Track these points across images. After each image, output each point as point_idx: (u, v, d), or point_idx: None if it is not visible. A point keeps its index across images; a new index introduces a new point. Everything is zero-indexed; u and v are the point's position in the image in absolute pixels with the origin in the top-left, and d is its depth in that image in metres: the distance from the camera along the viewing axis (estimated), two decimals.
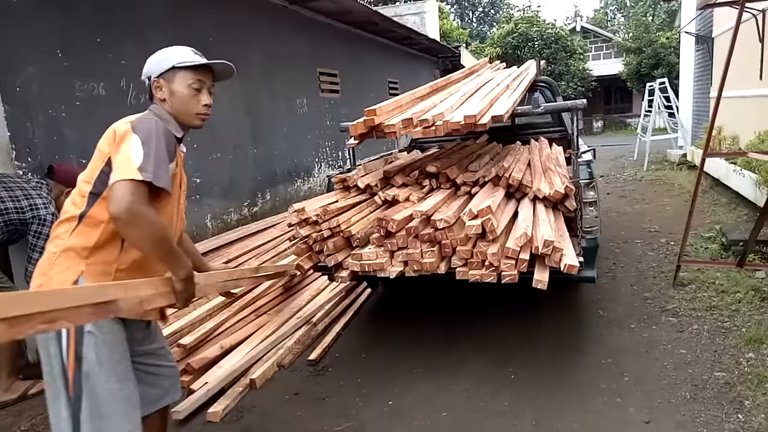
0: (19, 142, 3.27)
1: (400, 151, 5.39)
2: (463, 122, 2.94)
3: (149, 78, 1.90)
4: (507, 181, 3.24)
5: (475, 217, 2.71)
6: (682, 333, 3.43)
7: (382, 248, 2.87)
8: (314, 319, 3.94)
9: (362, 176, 3.47)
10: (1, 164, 3.26)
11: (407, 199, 3.24)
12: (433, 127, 3.02)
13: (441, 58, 15.27)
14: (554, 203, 3.25)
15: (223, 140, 5.28)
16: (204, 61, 1.92)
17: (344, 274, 2.98)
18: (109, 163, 1.70)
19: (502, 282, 2.65)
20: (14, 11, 3.29)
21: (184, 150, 1.98)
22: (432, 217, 2.76)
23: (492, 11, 48.42)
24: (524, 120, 6.00)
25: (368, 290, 4.52)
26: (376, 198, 3.32)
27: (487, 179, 3.33)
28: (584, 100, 3.53)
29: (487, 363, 3.22)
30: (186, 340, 3.37)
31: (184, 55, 1.90)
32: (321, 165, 7.34)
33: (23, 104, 3.31)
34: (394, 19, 15.26)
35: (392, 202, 3.26)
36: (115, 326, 1.75)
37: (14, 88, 3.27)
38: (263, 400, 3.02)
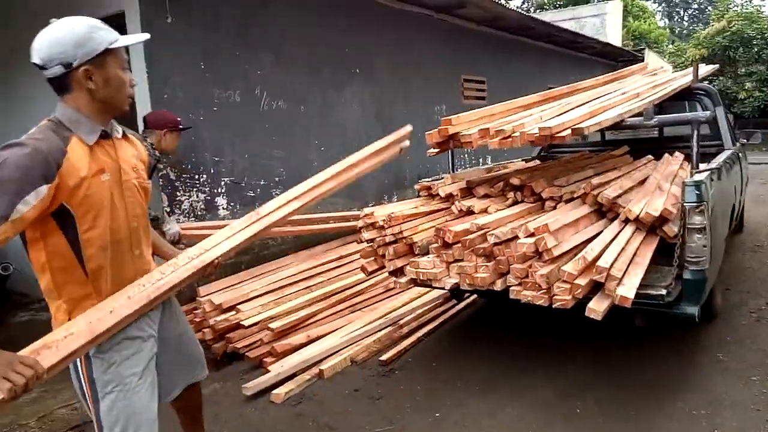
0: None
1: (526, 160, 5.17)
2: (538, 134, 2.79)
3: (69, 65, 1.52)
4: (595, 198, 2.97)
5: (531, 234, 2.55)
6: None
7: (439, 259, 2.85)
8: (401, 322, 4.02)
9: (445, 185, 3.46)
10: None
11: (485, 211, 3.16)
12: (510, 139, 2.92)
13: (622, 62, 14.08)
14: (651, 227, 2.90)
15: (350, 143, 5.59)
16: (146, 36, 1.73)
17: (403, 280, 3.02)
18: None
19: (553, 306, 2.46)
20: (168, 29, 3.91)
21: (120, 135, 1.74)
22: (487, 232, 2.66)
23: (709, 9, 43.24)
24: (674, 132, 5.37)
25: (467, 300, 4.45)
26: (452, 208, 3.28)
27: (576, 195, 3.09)
28: (708, 112, 3.07)
29: (556, 393, 2.99)
30: (275, 325, 3.70)
31: (109, 32, 1.59)
32: (457, 172, 7.33)
33: (168, 108, 3.91)
34: (572, 21, 14.58)
35: (468, 213, 3.20)
36: (123, 340, 1.69)
37: (162, 94, 3.89)
38: (325, 390, 3.19)
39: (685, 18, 52.10)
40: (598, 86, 4.87)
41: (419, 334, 3.90)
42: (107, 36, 1.57)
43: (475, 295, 4.37)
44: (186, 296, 4.07)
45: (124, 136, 1.78)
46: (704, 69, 6.29)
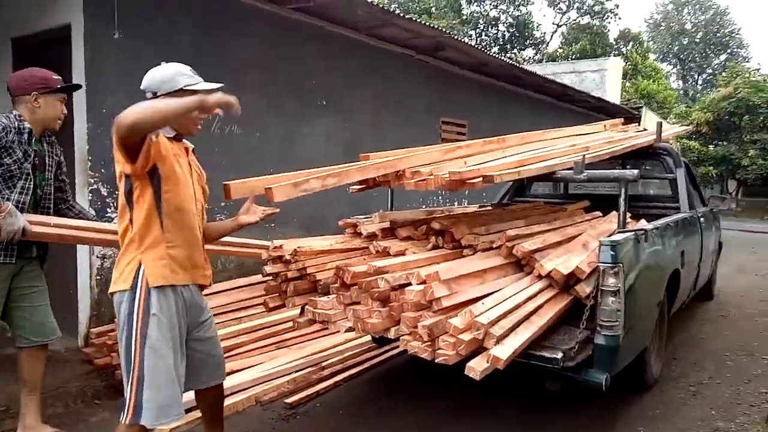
0: (95, 155, 3.83)
1: (480, 205, 5.06)
2: (448, 178, 2.69)
3: (154, 93, 2.18)
4: (510, 250, 2.84)
5: (423, 282, 2.42)
6: None
7: (338, 300, 2.71)
8: (324, 363, 3.85)
9: (369, 224, 3.34)
10: (78, 171, 3.85)
11: (402, 254, 3.03)
12: (425, 181, 2.82)
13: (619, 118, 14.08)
14: (566, 285, 2.76)
15: None
16: (219, 84, 2.20)
17: (302, 319, 2.87)
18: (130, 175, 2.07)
19: (436, 361, 2.30)
20: (114, 45, 3.89)
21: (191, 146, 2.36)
22: (380, 276, 2.53)
23: (723, 74, 43.94)
24: (635, 190, 5.29)
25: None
26: (370, 248, 3.16)
27: (495, 245, 2.97)
28: (635, 171, 2.95)
29: None
30: None
31: (190, 77, 2.21)
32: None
33: (106, 123, 3.86)
34: (572, 74, 14.66)
35: (385, 255, 3.07)
36: (175, 312, 2.12)
37: (101, 109, 3.84)
38: None
39: (699, 81, 52.64)
40: (558, 137, 4.79)
41: (338, 378, 3.72)
42: (185, 80, 2.18)
43: None
44: (106, 316, 3.94)
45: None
46: (674, 129, 6.23)
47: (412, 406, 3.37)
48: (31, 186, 2.75)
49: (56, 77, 2.81)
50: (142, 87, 2.22)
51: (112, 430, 2.97)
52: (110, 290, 2.14)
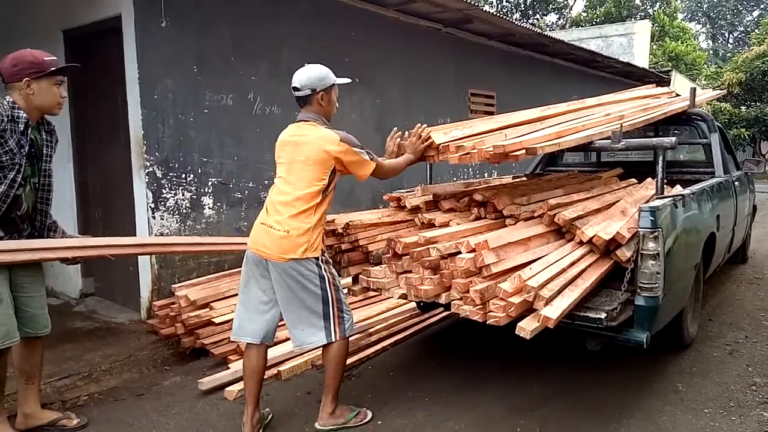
0: (150, 139, 4.05)
1: (514, 176, 5.17)
2: (492, 151, 2.82)
3: (314, 90, 2.64)
4: (552, 218, 2.98)
5: (473, 250, 2.58)
6: None
7: (390, 269, 2.89)
8: (371, 330, 4.06)
9: (413, 197, 3.50)
10: (135, 155, 4.07)
11: (446, 225, 3.19)
12: (469, 155, 2.95)
13: (649, 84, 13.84)
14: (607, 251, 2.89)
15: None
16: (345, 81, 2.81)
17: (356, 288, 3.07)
18: (334, 171, 2.64)
19: (487, 323, 2.48)
20: (162, 33, 4.07)
21: None
22: (431, 246, 2.70)
23: (756, 31, 42.35)
24: (671, 156, 5.32)
25: (444, 314, 4.47)
26: (416, 220, 3.32)
27: (536, 214, 3.11)
28: (673, 139, 3.04)
29: (503, 410, 2.99)
30: None
31: (333, 75, 2.73)
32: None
33: (158, 109, 4.08)
34: (599, 39, 14.39)
35: (430, 226, 3.24)
36: None
37: (152, 96, 4.05)
38: (279, 390, 3.27)
39: (730, 40, 50.84)
40: (593, 106, 4.84)
41: (386, 343, 3.94)
42: (334, 77, 2.71)
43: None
44: (165, 291, 4.21)
45: None
46: (708, 94, 6.20)
47: (458, 366, 3.57)
48: (22, 178, 2.52)
49: (49, 59, 2.53)
50: (297, 85, 2.64)
51: (183, 393, 3.28)
52: (302, 256, 2.55)
